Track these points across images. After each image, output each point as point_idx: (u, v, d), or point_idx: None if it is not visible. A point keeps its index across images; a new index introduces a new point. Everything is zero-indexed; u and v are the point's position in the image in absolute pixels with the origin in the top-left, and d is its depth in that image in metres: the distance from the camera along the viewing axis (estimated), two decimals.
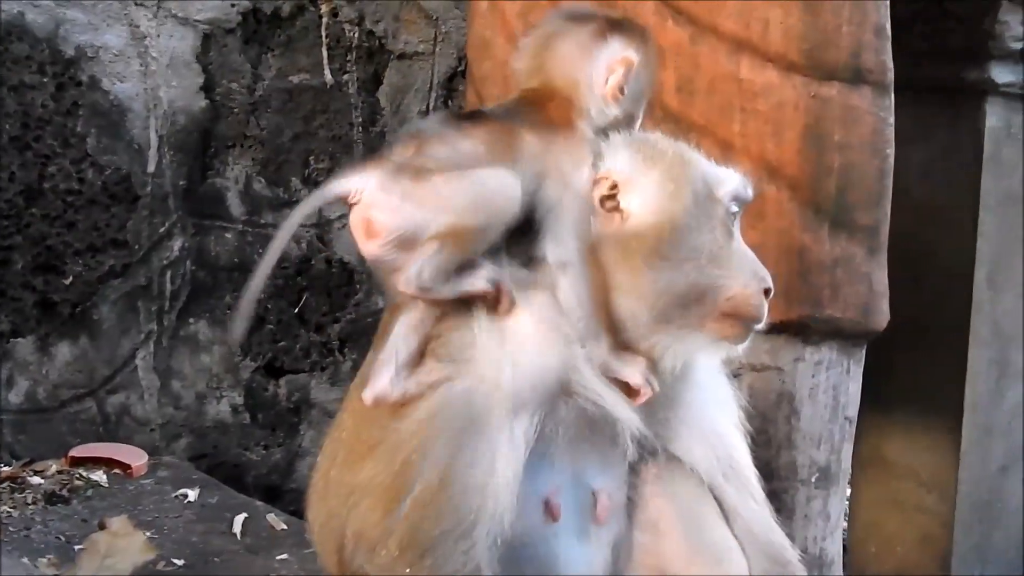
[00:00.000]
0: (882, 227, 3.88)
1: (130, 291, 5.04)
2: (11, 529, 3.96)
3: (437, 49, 5.87)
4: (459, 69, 5.86)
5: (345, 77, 5.61)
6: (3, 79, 4.69)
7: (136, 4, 4.98)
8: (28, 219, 4.74)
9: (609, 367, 2.64)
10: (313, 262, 5.54)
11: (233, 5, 5.23)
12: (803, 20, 3.71)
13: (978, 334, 5.84)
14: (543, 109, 2.72)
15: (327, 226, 5.60)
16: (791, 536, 3.58)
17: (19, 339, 4.80)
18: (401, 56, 5.78)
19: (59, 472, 4.52)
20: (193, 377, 5.27)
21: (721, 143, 3.74)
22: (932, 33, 5.69)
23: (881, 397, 5.57)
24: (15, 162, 4.70)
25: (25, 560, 3.70)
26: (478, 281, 2.60)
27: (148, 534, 3.88)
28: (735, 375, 3.19)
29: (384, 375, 2.61)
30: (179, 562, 3.85)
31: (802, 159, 3.74)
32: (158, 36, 5.05)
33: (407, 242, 2.54)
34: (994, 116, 5.77)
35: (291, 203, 5.46)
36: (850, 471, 4.24)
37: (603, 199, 2.65)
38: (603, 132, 2.77)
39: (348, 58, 5.60)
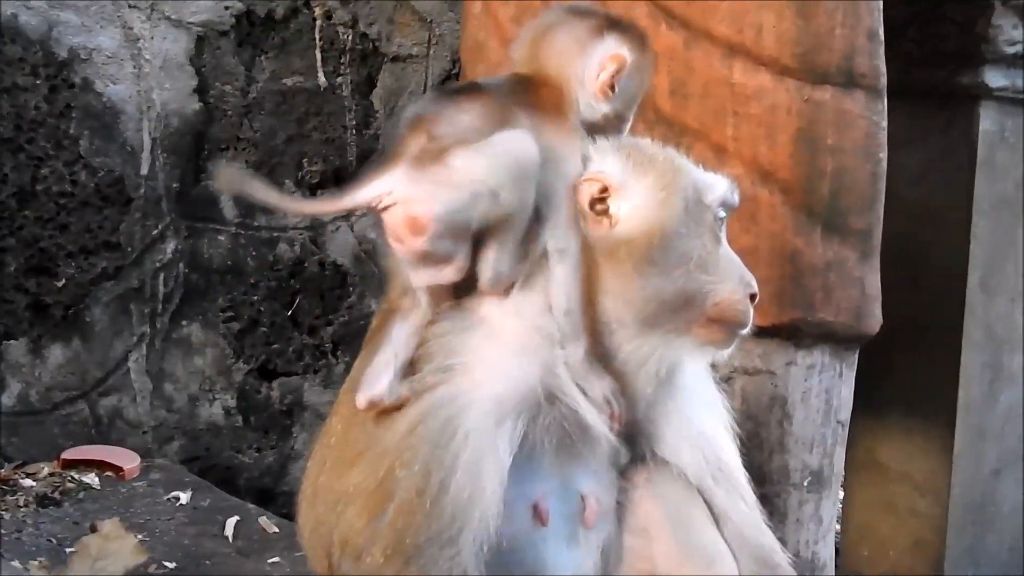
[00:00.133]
0: (875, 231, 3.88)
1: (123, 293, 5.03)
2: (2, 531, 3.96)
3: (431, 52, 5.88)
4: (453, 72, 5.86)
5: (339, 79, 5.61)
6: None
7: (129, 6, 4.98)
8: (21, 221, 4.74)
9: (577, 372, 2.64)
10: (306, 265, 5.54)
11: (227, 7, 5.23)
12: (796, 24, 3.72)
13: (971, 337, 5.85)
14: (535, 93, 2.71)
15: (320, 229, 5.60)
16: (783, 540, 3.58)
17: (11, 341, 4.79)
18: (395, 59, 5.78)
19: (51, 474, 4.52)
20: (186, 379, 5.26)
21: (714, 147, 3.74)
22: (926, 37, 5.69)
23: (874, 400, 5.58)
24: (8, 164, 4.69)
25: (16, 563, 3.70)
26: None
27: (140, 537, 3.88)
28: (727, 379, 3.19)
29: (383, 379, 2.60)
30: (171, 565, 3.85)
31: (795, 163, 3.74)
32: (151, 38, 5.05)
33: (456, 227, 2.53)
34: (988, 120, 5.77)
35: None
36: (843, 475, 4.24)
37: (592, 202, 2.64)
38: (591, 129, 2.77)
39: (342, 60, 5.60)
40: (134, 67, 5.01)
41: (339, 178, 5.62)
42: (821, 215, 3.77)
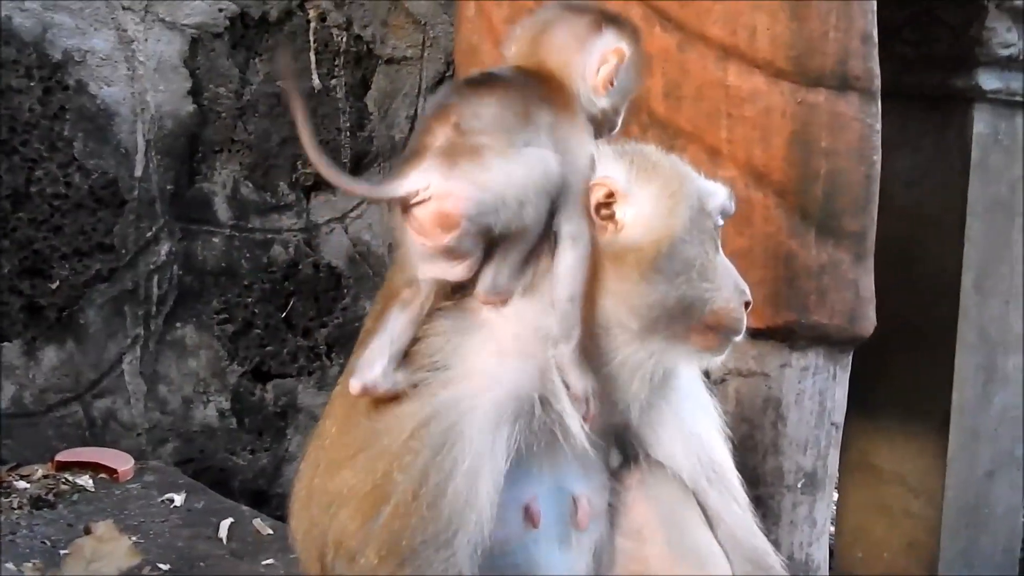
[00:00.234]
0: (869, 233, 3.89)
1: (117, 295, 5.03)
2: None
3: (425, 54, 5.88)
4: (447, 74, 5.86)
5: (333, 82, 5.61)
6: None
7: (123, 8, 4.97)
8: (15, 223, 4.73)
9: (563, 366, 2.64)
10: (301, 267, 5.54)
11: (221, 10, 5.23)
12: (790, 27, 3.72)
13: (965, 340, 5.86)
14: (545, 86, 2.72)
15: (315, 231, 5.60)
16: (777, 542, 3.60)
17: (5, 343, 4.78)
18: (389, 61, 5.78)
19: (45, 477, 4.51)
20: (180, 381, 5.26)
21: (708, 149, 3.75)
22: (920, 40, 5.71)
23: (868, 402, 5.59)
24: (2, 166, 4.69)
25: (10, 565, 3.70)
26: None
27: (133, 539, 3.88)
28: (721, 381, 3.20)
29: (376, 365, 2.60)
30: (164, 567, 3.84)
31: (789, 165, 3.75)
32: (145, 40, 5.04)
33: (482, 229, 2.53)
34: (981, 123, 5.79)
35: (278, 208, 5.47)
36: (837, 476, 4.25)
37: (598, 207, 2.65)
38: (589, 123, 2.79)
39: (336, 63, 5.60)
40: (128, 69, 5.01)
41: None
42: (815, 217, 3.78)
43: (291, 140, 5.47)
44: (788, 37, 3.72)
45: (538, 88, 2.70)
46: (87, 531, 3.75)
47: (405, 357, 2.63)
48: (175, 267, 5.19)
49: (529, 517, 2.68)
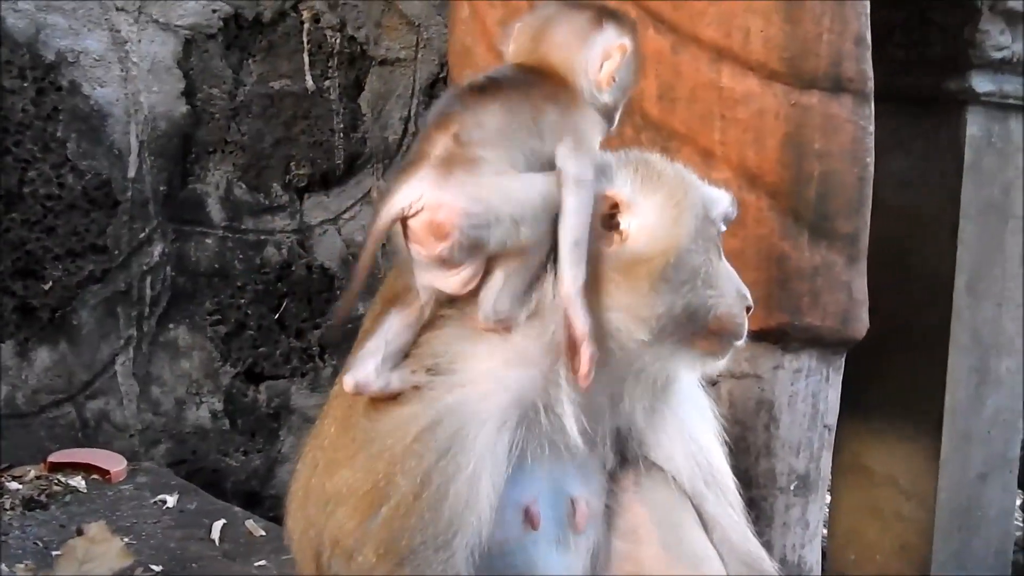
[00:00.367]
0: (862, 235, 3.89)
1: (110, 296, 5.03)
2: None
3: (419, 55, 5.88)
4: (441, 75, 5.86)
5: (327, 83, 5.60)
6: None
7: (117, 9, 4.97)
8: (7, 224, 4.73)
9: (568, 307, 2.59)
10: (294, 268, 5.54)
11: (214, 11, 5.23)
12: (784, 29, 3.72)
13: (958, 342, 5.86)
14: (547, 82, 2.73)
15: (308, 232, 5.60)
16: (769, 544, 3.61)
17: None
18: (383, 62, 5.78)
19: (37, 477, 4.51)
20: (173, 383, 5.25)
21: (702, 151, 3.75)
22: (913, 42, 5.71)
23: (861, 404, 5.59)
24: None
25: (2, 566, 3.69)
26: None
27: (126, 540, 3.88)
28: (714, 382, 3.20)
29: (369, 363, 2.61)
30: (157, 568, 3.84)
31: (782, 167, 3.75)
32: (139, 41, 5.04)
33: (474, 242, 2.53)
34: (974, 125, 5.79)
35: (272, 209, 5.46)
36: (829, 479, 4.25)
37: (603, 218, 2.65)
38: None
39: (329, 64, 5.60)
40: (121, 70, 5.00)
41: (326, 181, 5.62)
42: (808, 219, 3.78)
43: (284, 141, 5.47)
44: (782, 39, 3.73)
45: (542, 86, 2.71)
46: (79, 532, 3.74)
47: (405, 358, 2.64)
48: (168, 268, 5.18)
49: (529, 519, 2.69)
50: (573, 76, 2.77)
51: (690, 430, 2.92)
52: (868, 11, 3.87)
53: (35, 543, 3.94)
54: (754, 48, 3.74)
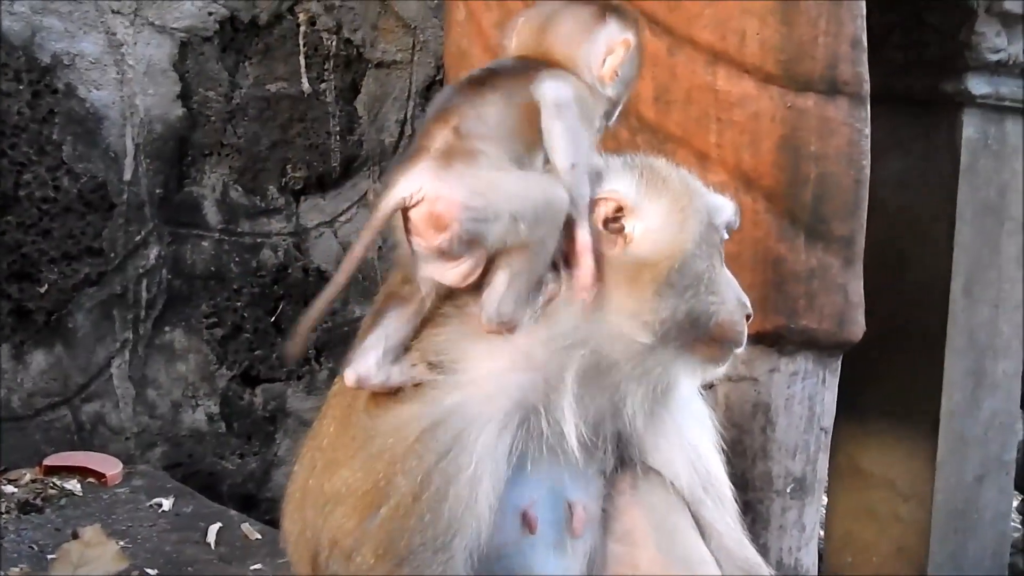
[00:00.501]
0: (858, 238, 3.88)
1: (105, 299, 5.02)
2: None
3: (415, 58, 5.87)
4: (437, 78, 5.86)
5: (323, 85, 5.60)
6: None
7: (113, 12, 4.97)
8: (3, 227, 4.73)
9: (577, 221, 2.62)
10: (290, 271, 5.53)
11: (210, 13, 5.23)
12: (779, 32, 3.72)
13: (954, 344, 5.86)
14: (550, 66, 2.73)
15: (304, 234, 5.60)
16: (766, 547, 3.61)
17: None
18: (379, 65, 5.78)
19: (33, 481, 4.51)
20: (168, 386, 5.25)
21: (697, 153, 3.74)
22: (909, 44, 5.71)
23: (857, 407, 5.58)
24: None
25: None
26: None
27: (122, 543, 3.87)
28: (710, 386, 3.20)
29: (371, 356, 2.61)
30: (152, 571, 3.84)
31: (778, 170, 3.75)
32: (135, 44, 5.04)
33: (473, 235, 2.53)
34: (971, 127, 5.79)
35: (268, 211, 5.46)
36: (826, 481, 4.24)
37: (606, 221, 2.65)
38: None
39: (326, 66, 5.60)
40: (117, 73, 5.00)
41: (322, 184, 5.62)
42: (804, 222, 3.77)
43: (280, 144, 5.47)
44: (777, 42, 3.72)
45: (542, 67, 2.72)
46: (75, 535, 3.73)
47: (405, 352, 2.64)
48: (164, 271, 5.18)
49: (527, 523, 2.69)
50: (576, 70, 2.77)
51: (689, 436, 2.92)
52: (864, 13, 3.87)
53: (30, 547, 3.94)
54: (750, 51, 3.74)
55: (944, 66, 5.70)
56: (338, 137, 5.65)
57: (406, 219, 2.55)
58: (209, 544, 4.14)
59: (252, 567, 3.97)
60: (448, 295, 2.66)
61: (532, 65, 2.72)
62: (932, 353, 5.85)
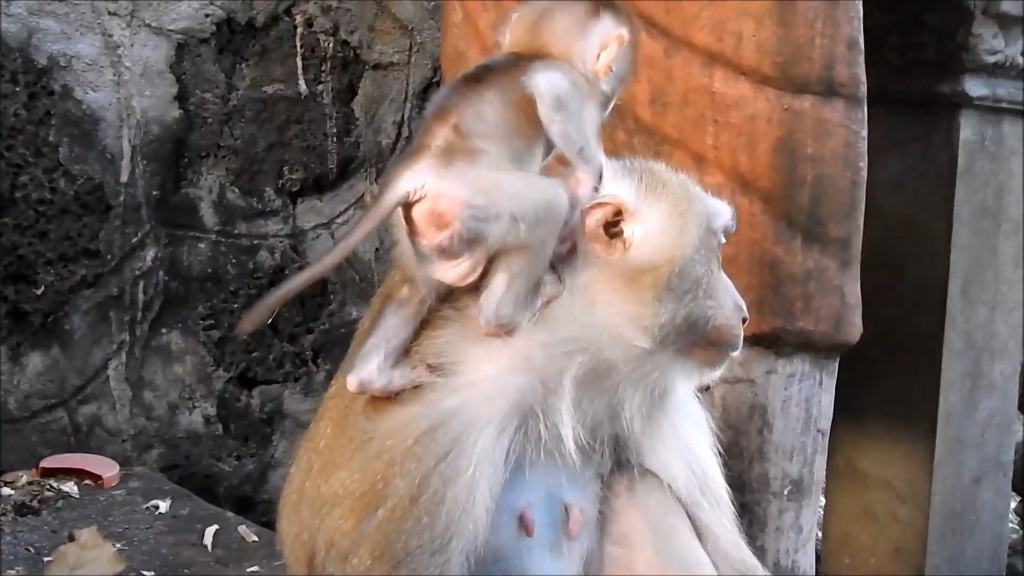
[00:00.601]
0: (855, 239, 3.88)
1: (102, 301, 5.02)
2: None
3: (412, 59, 5.87)
4: (434, 79, 5.86)
5: (320, 87, 5.60)
6: None
7: (109, 13, 4.97)
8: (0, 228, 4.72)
9: (584, 194, 2.64)
10: (286, 272, 5.53)
11: (207, 15, 5.23)
12: (776, 33, 3.72)
13: (951, 346, 5.86)
14: (545, 60, 2.73)
15: (301, 236, 5.60)
16: (763, 548, 3.61)
17: None
18: (376, 66, 5.78)
19: (29, 483, 4.50)
20: (165, 387, 5.25)
21: (694, 155, 3.74)
22: (906, 46, 5.71)
23: (854, 408, 5.59)
24: None
25: None
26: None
27: (118, 546, 3.87)
28: (707, 388, 3.20)
29: (372, 361, 2.61)
30: (149, 574, 3.84)
31: (775, 172, 3.74)
32: (131, 45, 5.04)
33: (473, 234, 2.53)
34: (968, 129, 5.79)
35: (264, 213, 5.46)
36: (823, 483, 4.24)
37: (606, 225, 2.65)
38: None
39: (323, 68, 5.60)
40: (114, 74, 5.00)
41: (319, 186, 5.62)
42: (801, 224, 3.77)
43: (277, 145, 5.47)
44: (774, 43, 3.72)
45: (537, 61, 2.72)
46: (71, 538, 3.73)
47: (405, 355, 2.64)
48: (161, 273, 5.18)
49: (524, 525, 2.69)
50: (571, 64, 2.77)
51: (685, 439, 2.93)
52: (861, 15, 3.86)
53: (27, 549, 3.94)
54: (746, 52, 3.73)
55: (941, 67, 5.71)
56: (335, 139, 5.65)
57: (407, 216, 2.55)
58: (206, 546, 4.14)
59: (249, 569, 3.97)
60: (447, 297, 2.67)
61: (524, 59, 2.72)
62: (929, 354, 5.85)
